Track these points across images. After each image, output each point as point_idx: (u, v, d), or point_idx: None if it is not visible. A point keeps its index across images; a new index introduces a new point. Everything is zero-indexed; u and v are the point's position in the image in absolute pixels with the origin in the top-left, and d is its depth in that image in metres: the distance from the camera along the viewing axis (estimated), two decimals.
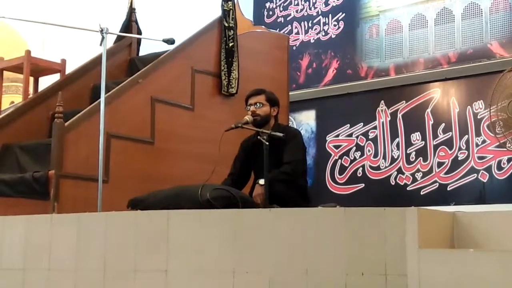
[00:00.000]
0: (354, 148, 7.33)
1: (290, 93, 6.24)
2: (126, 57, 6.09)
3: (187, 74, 5.28)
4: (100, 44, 4.55)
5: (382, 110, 7.20)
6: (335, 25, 7.76)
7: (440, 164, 6.70)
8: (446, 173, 6.65)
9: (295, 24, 8.08)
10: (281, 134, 4.10)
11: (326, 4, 7.87)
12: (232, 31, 5.51)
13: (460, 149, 6.60)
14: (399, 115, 7.08)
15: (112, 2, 8.44)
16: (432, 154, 6.76)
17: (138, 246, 3.31)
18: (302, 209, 3.23)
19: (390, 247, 2.67)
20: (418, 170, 6.82)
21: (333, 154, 7.47)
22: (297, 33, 8.02)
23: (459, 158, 6.59)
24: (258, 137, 4.17)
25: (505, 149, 5.97)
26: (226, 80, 5.45)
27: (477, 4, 6.76)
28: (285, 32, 7.86)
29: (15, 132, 5.13)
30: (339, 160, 7.42)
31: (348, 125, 7.40)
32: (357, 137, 7.32)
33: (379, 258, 2.68)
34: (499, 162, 6.34)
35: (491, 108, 5.97)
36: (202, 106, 5.33)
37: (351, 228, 2.79)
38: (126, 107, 4.85)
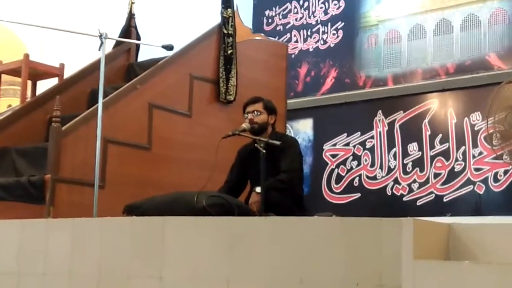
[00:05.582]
0: (351, 157, 7.32)
1: (288, 101, 6.24)
2: (125, 63, 6.09)
3: (185, 80, 5.29)
4: (99, 49, 4.55)
5: (379, 120, 7.20)
6: (334, 34, 7.77)
7: (436, 175, 6.70)
8: (442, 184, 6.65)
9: (294, 32, 8.08)
10: (278, 142, 4.10)
11: (325, 13, 7.88)
12: (231, 38, 5.52)
13: (456, 160, 6.60)
14: (397, 125, 7.08)
15: (112, 8, 8.44)
16: (429, 165, 6.76)
17: (133, 252, 3.31)
18: (298, 218, 3.22)
19: (386, 257, 2.67)
20: (414, 181, 6.82)
21: (329, 163, 7.47)
22: (296, 41, 8.02)
23: (455, 170, 6.59)
24: (255, 145, 4.17)
25: (501, 161, 5.97)
26: (224, 87, 5.45)
27: (476, 15, 6.78)
28: (284, 40, 7.87)
29: (12, 135, 5.13)
30: (336, 169, 7.42)
31: (345, 134, 7.40)
32: (354, 146, 7.32)
33: (374, 269, 2.68)
34: (496, 174, 6.34)
35: (488, 119, 5.97)
36: (199, 112, 5.33)
37: (347, 238, 2.79)
38: (123, 113, 4.85)
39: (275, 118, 4.62)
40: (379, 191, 7.04)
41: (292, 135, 7.09)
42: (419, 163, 6.83)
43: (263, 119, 4.52)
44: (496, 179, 6.33)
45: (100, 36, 4.50)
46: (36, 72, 6.12)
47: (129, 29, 6.13)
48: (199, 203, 3.74)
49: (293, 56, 7.81)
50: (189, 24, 7.85)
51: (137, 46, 6.19)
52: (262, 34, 6.82)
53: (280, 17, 8.25)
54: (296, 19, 8.11)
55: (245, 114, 4.55)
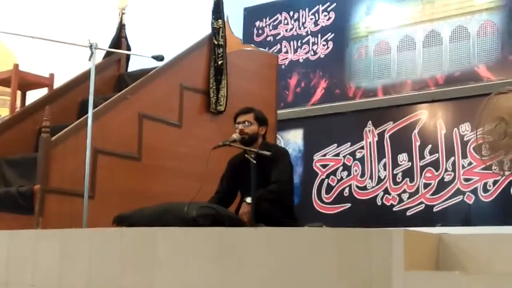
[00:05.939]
0: (341, 167, 7.33)
1: (278, 112, 6.25)
2: (115, 73, 6.08)
3: (175, 91, 5.28)
4: (89, 59, 4.54)
5: (369, 130, 7.22)
6: (324, 45, 7.79)
7: (426, 185, 6.71)
8: (432, 194, 6.66)
9: (284, 43, 8.10)
10: (268, 153, 4.10)
11: (316, 24, 7.90)
12: (221, 49, 5.52)
13: (446, 170, 6.62)
14: (386, 136, 7.10)
15: (102, 18, 8.44)
16: (419, 175, 6.78)
17: (123, 263, 3.29)
18: (288, 229, 3.22)
19: (376, 268, 2.66)
20: (404, 191, 6.83)
21: (320, 174, 7.48)
22: (286, 52, 8.04)
23: (445, 180, 6.61)
24: (246, 155, 4.17)
25: (491, 171, 5.99)
26: (215, 97, 5.45)
27: (465, 27, 6.82)
28: (274, 51, 7.89)
29: (1, 145, 5.10)
30: (326, 180, 7.42)
31: (336, 144, 7.41)
32: (344, 156, 7.33)
33: (365, 279, 2.67)
34: (485, 184, 6.36)
35: (477, 130, 5.99)
36: (190, 123, 5.33)
37: (337, 248, 2.78)
38: (113, 123, 4.84)
39: (266, 128, 4.63)
40: (369, 201, 7.05)
41: (283, 146, 7.10)
42: (409, 174, 6.85)
43: (254, 129, 4.53)
44: (485, 190, 6.35)
45: (90, 46, 4.50)
46: (26, 82, 6.11)
47: (120, 39, 6.13)
48: (189, 213, 3.73)
49: (283, 66, 7.83)
50: (179, 34, 7.85)
51: (128, 56, 6.18)
52: (253, 45, 6.84)
53: (271, 28, 8.26)
54: (286, 30, 8.14)
55: (235, 124, 4.55)
